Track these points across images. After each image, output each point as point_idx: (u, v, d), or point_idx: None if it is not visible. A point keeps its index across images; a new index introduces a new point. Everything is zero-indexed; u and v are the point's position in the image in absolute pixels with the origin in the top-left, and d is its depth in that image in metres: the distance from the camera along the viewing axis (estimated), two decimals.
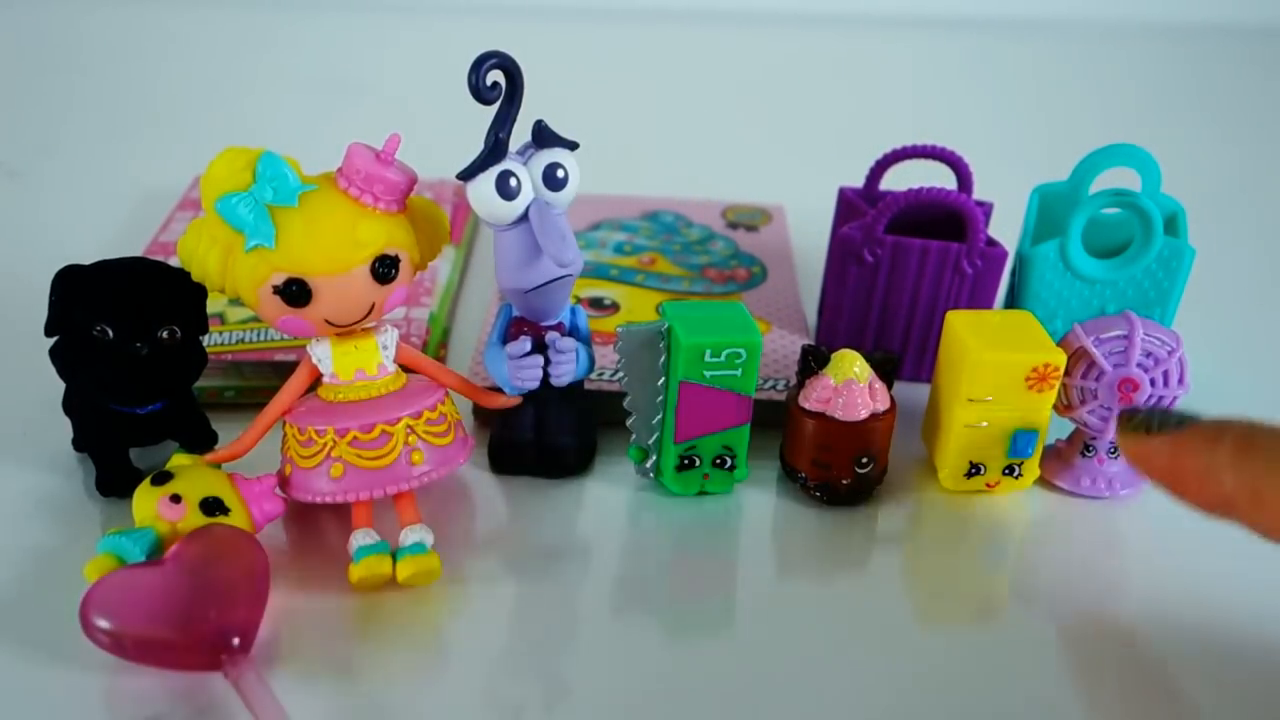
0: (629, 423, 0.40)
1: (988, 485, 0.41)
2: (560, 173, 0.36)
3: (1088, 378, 0.39)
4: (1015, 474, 0.40)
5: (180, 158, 0.59)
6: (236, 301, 0.36)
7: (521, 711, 0.32)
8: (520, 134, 0.36)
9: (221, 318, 0.45)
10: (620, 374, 0.39)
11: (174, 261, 0.36)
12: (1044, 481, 0.42)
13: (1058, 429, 0.42)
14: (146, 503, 0.35)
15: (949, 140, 0.48)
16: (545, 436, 0.40)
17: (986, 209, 0.47)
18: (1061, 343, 0.40)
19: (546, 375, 0.38)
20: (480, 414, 0.44)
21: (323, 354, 0.36)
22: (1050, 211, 0.47)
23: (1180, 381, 0.39)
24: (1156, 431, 0.31)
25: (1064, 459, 0.42)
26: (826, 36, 1.05)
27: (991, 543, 0.40)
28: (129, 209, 0.61)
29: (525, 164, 0.36)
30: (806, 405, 0.39)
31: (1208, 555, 0.39)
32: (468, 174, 0.35)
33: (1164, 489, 0.32)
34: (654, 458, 0.40)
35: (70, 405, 0.39)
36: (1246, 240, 0.65)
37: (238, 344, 0.44)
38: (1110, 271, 0.44)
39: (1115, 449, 0.41)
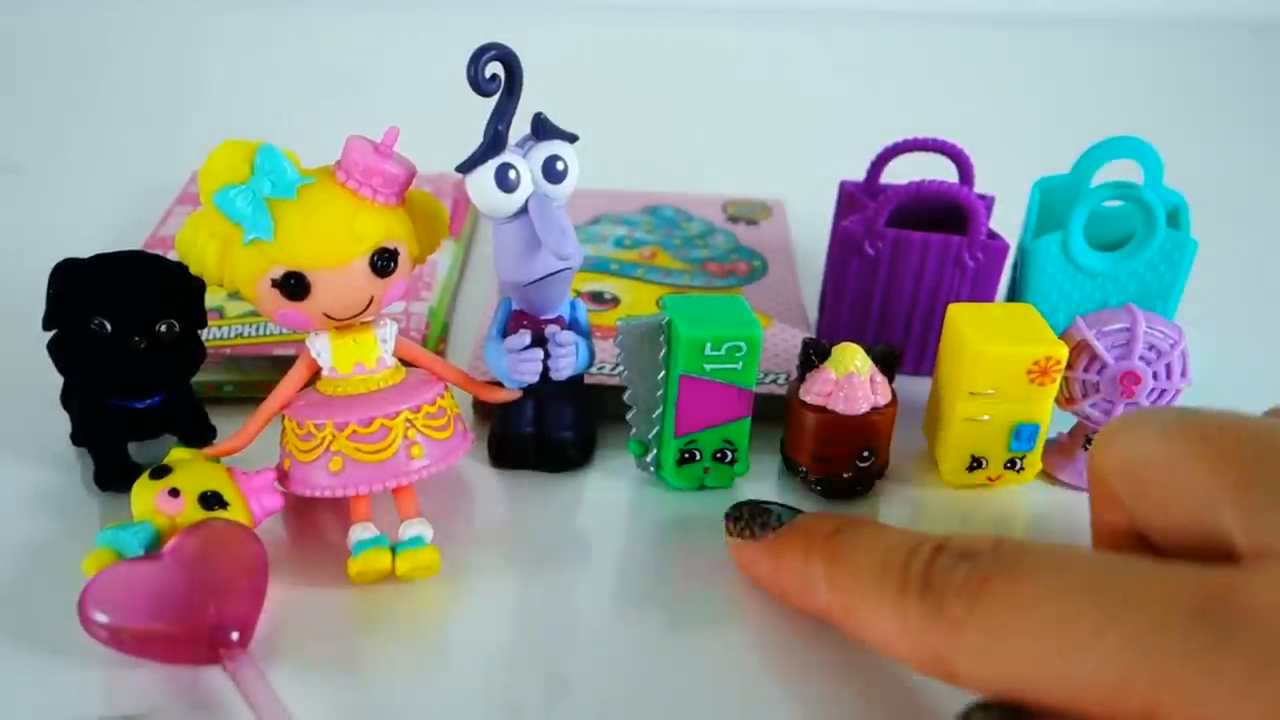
0: (629, 417, 0.39)
1: (989, 479, 0.41)
2: (560, 165, 0.36)
3: (1089, 371, 0.39)
4: (1017, 468, 0.40)
5: (179, 152, 0.58)
6: (235, 295, 0.36)
7: (521, 706, 0.31)
8: (519, 127, 0.36)
9: (220, 312, 0.45)
10: (620, 368, 0.39)
11: (172, 255, 0.36)
12: (1046, 475, 0.42)
13: (1060, 423, 0.41)
14: (145, 497, 0.35)
15: (950, 133, 0.48)
16: (545, 431, 0.40)
17: (988, 202, 0.47)
18: (1063, 336, 0.39)
19: (546, 369, 0.38)
20: (480, 408, 0.43)
21: (321, 348, 0.36)
22: (1052, 204, 0.47)
23: (1183, 374, 0.39)
24: (754, 535, 0.34)
25: (1066, 453, 0.42)
26: (827, 30, 1.05)
27: None
28: (127, 203, 0.61)
29: (524, 156, 0.36)
30: (807, 399, 0.39)
31: None
32: (467, 167, 0.35)
33: (773, 595, 0.34)
34: (654, 452, 0.40)
35: (68, 399, 0.38)
36: (1249, 233, 0.65)
37: (236, 338, 0.44)
38: (1112, 264, 0.43)
39: None
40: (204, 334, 0.39)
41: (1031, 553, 0.26)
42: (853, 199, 0.49)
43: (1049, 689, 0.24)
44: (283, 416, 0.37)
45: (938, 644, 0.26)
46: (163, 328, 0.36)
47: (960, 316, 0.39)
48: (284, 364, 0.38)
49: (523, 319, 0.39)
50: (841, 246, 0.45)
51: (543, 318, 0.39)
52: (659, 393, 0.39)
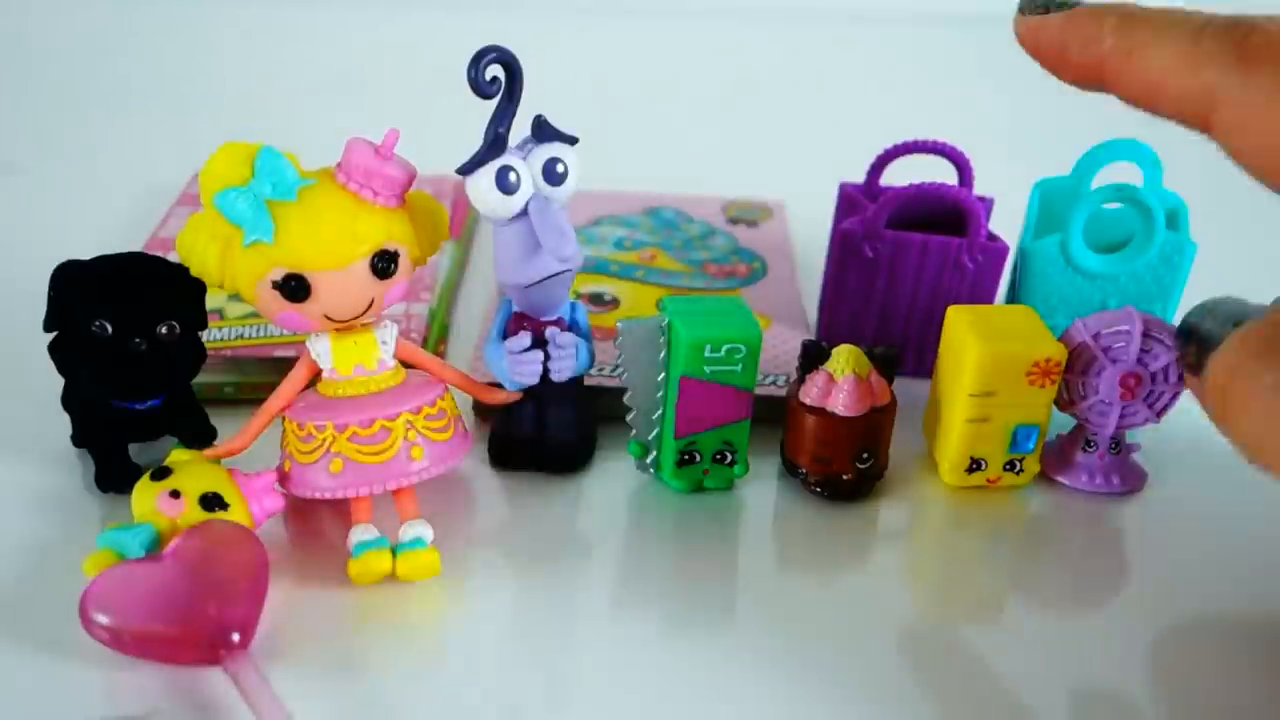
0: (629, 418, 0.39)
1: (988, 481, 0.41)
2: (560, 168, 0.36)
3: (1089, 373, 0.39)
4: (1016, 469, 0.40)
5: (180, 153, 0.59)
6: (236, 297, 0.36)
7: (521, 706, 0.32)
8: (520, 129, 0.36)
9: (221, 313, 0.45)
10: (620, 369, 0.39)
11: (173, 257, 0.36)
12: (1045, 477, 0.42)
13: (1059, 424, 0.42)
14: (145, 498, 0.35)
15: (950, 135, 0.48)
16: (545, 432, 0.40)
17: (988, 204, 0.47)
18: (1063, 338, 0.40)
19: (546, 371, 0.38)
20: (480, 410, 0.43)
21: (322, 349, 0.36)
22: (1052, 207, 0.47)
23: (1181, 378, 0.39)
24: (1054, 9, 0.32)
25: (1065, 455, 0.42)
26: (827, 31, 1.05)
27: (992, 538, 0.39)
28: (128, 204, 0.61)
29: (525, 159, 0.36)
30: (807, 400, 0.39)
31: (1209, 551, 0.39)
32: (467, 169, 0.35)
33: (1046, 64, 0.33)
34: (654, 453, 0.40)
35: (69, 401, 0.38)
36: (1248, 236, 0.64)
37: (237, 340, 0.44)
38: (1112, 267, 0.43)
39: (1117, 445, 0.41)
40: (204, 335, 0.39)
41: None
42: (853, 201, 0.49)
43: None
44: (283, 418, 0.37)
45: (1216, 79, 0.25)
46: (163, 329, 0.36)
47: (960, 318, 0.39)
48: (285, 365, 0.38)
49: (523, 321, 0.39)
50: (841, 248, 0.45)
51: (543, 319, 0.39)
52: (659, 394, 0.39)
